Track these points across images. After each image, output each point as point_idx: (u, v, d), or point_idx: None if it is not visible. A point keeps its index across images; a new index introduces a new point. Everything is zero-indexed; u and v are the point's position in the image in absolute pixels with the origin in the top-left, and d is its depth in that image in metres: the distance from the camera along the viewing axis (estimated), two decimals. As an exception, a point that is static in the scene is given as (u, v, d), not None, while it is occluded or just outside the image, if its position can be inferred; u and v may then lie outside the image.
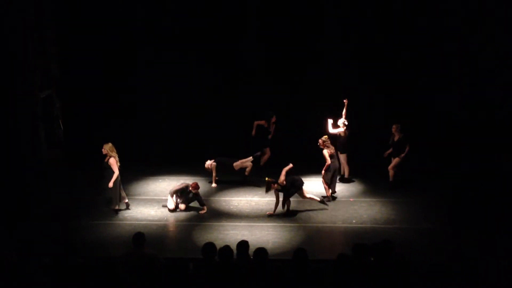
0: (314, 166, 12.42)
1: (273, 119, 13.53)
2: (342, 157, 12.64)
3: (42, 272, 6.57)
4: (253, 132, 13.52)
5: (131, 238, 7.20)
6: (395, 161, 12.30)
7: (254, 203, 11.73)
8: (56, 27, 14.08)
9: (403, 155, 12.15)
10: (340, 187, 12.36)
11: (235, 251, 6.72)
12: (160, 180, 13.14)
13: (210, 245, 6.60)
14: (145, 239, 7.08)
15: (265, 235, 10.10)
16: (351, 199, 11.94)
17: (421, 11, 13.28)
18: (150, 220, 10.86)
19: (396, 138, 12.27)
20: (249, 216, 11.10)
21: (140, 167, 13.46)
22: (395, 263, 6.58)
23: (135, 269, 6.56)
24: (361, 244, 6.70)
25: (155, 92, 14.30)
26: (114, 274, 6.51)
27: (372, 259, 7.12)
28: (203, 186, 12.70)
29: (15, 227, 10.19)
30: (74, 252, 6.63)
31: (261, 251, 6.55)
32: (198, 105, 14.17)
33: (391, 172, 12.37)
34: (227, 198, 12.05)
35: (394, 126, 12.32)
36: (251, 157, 12.83)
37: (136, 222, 10.77)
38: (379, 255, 6.66)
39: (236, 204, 11.74)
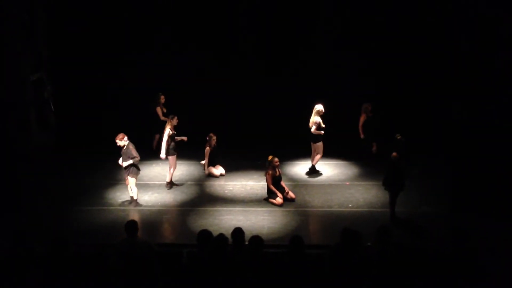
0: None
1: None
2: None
3: (34, 261, 6.43)
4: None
5: (124, 224, 7.04)
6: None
7: (249, 188, 11.60)
8: (46, 8, 13.82)
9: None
10: (335, 171, 12.36)
11: (229, 236, 6.57)
12: (154, 165, 12.92)
13: (205, 233, 6.44)
14: (137, 227, 6.90)
15: (261, 220, 9.98)
16: (347, 183, 11.81)
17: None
18: (144, 206, 10.69)
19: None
20: (244, 200, 10.96)
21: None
22: (392, 249, 6.47)
23: (128, 257, 6.43)
24: (349, 229, 6.55)
25: (148, 75, 14.11)
26: (107, 262, 6.39)
27: (369, 244, 7.05)
28: (198, 169, 12.58)
29: (5, 214, 10.00)
30: (65, 244, 6.45)
31: (256, 239, 6.35)
32: (193, 89, 14.07)
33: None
34: (221, 183, 11.91)
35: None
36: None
37: (130, 207, 10.61)
38: (376, 241, 6.55)
39: (231, 188, 11.59)
